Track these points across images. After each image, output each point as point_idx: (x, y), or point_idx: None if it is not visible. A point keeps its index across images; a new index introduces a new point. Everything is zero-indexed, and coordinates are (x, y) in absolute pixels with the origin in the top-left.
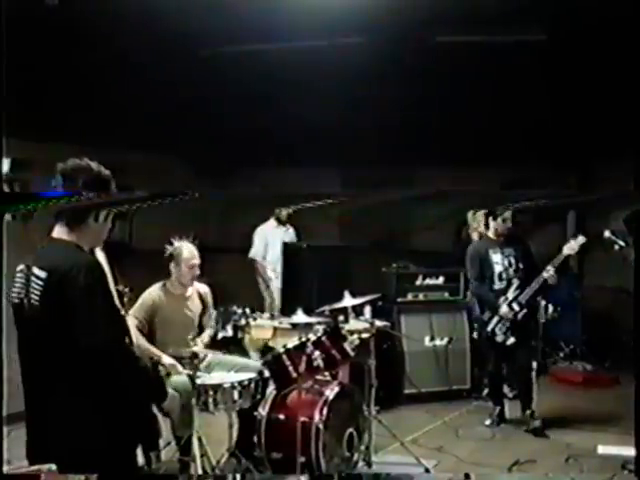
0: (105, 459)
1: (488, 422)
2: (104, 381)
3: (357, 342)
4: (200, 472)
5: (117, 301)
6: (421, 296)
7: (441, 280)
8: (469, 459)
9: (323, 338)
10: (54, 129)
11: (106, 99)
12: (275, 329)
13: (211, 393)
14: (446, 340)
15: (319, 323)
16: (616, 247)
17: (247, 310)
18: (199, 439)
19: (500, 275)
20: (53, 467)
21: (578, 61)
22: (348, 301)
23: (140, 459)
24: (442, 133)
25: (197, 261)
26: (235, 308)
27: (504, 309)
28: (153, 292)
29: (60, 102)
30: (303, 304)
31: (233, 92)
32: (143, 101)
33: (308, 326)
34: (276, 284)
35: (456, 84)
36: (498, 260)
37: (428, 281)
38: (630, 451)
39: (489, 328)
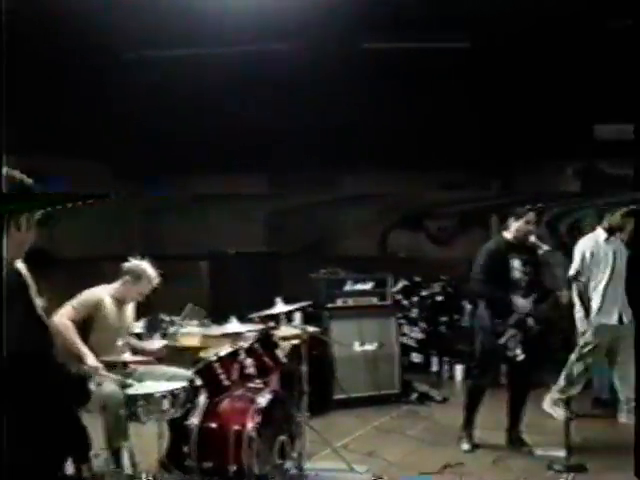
0: (31, 474)
1: (466, 447)
2: (27, 393)
3: (289, 349)
4: None
5: (40, 311)
6: (350, 301)
7: (370, 285)
8: (400, 463)
9: (255, 345)
10: None
11: (24, 103)
12: (204, 337)
13: (142, 403)
14: (376, 345)
15: (253, 331)
16: (540, 252)
17: (175, 318)
18: (130, 449)
19: (517, 282)
20: None
21: (501, 68)
22: (280, 307)
23: (70, 471)
24: (368, 137)
25: (149, 290)
26: (163, 316)
27: (521, 304)
28: (99, 293)
29: None
30: (233, 311)
31: (157, 96)
32: (63, 104)
33: (238, 333)
34: None
35: (383, 90)
36: (517, 266)
37: (357, 286)
38: (560, 452)
39: (502, 340)
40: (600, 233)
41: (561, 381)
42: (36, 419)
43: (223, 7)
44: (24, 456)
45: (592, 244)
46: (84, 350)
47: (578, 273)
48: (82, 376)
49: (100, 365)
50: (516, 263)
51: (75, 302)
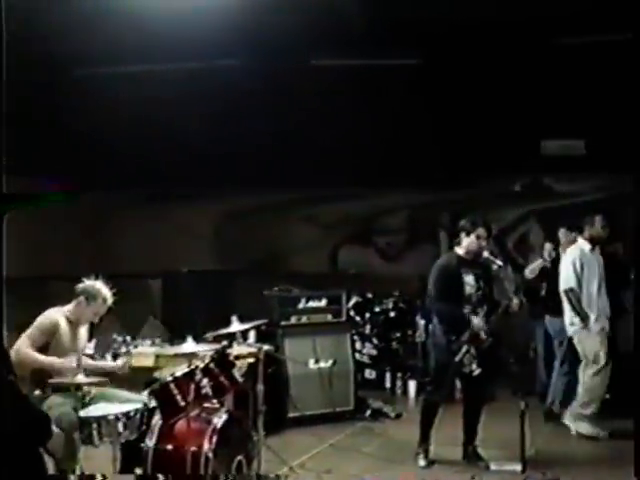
0: None
1: (423, 463)
2: None
3: (245, 368)
4: None
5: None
6: (304, 319)
7: (324, 302)
8: None
9: (211, 365)
10: None
11: None
12: (157, 357)
13: (95, 426)
14: (330, 362)
15: (210, 350)
16: (494, 267)
17: (127, 338)
18: (82, 474)
19: (469, 298)
20: None
21: (448, 85)
22: (236, 326)
23: None
24: (317, 153)
25: (104, 310)
26: (115, 336)
27: (476, 321)
28: (53, 316)
29: None
30: (186, 330)
31: (107, 112)
32: (14, 120)
33: (193, 353)
34: None
35: (330, 105)
36: (469, 281)
37: (311, 303)
38: (517, 467)
39: (457, 358)
40: (583, 243)
41: (581, 397)
42: None
43: (175, 24)
44: None
45: (580, 254)
46: (49, 359)
47: (571, 286)
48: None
49: (74, 365)
50: (469, 278)
51: (29, 332)
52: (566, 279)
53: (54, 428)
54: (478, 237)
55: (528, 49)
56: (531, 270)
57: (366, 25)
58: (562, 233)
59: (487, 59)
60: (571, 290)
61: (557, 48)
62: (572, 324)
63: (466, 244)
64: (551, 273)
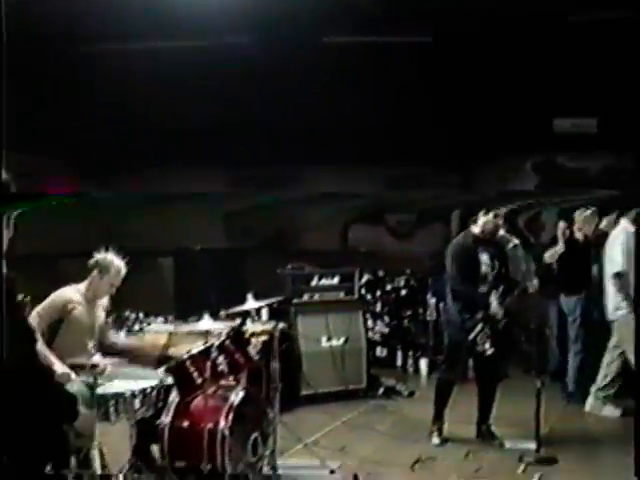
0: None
1: (437, 441)
2: (14, 402)
3: (260, 346)
4: None
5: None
6: (317, 296)
7: (336, 280)
8: (372, 458)
9: (227, 342)
10: None
11: None
12: (171, 334)
13: (112, 402)
14: (342, 340)
15: (226, 328)
16: (510, 245)
17: (141, 315)
18: (100, 451)
19: (485, 277)
20: None
21: (461, 62)
22: (251, 304)
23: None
24: (328, 132)
25: (120, 280)
26: (128, 313)
27: (494, 308)
28: (67, 293)
29: None
30: (201, 307)
31: (117, 91)
32: (23, 100)
33: (206, 331)
34: None
35: (342, 84)
36: (485, 260)
37: (323, 281)
38: (531, 445)
39: (471, 336)
40: (628, 226)
41: (602, 378)
42: (20, 428)
43: (187, 1)
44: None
45: (626, 237)
46: (51, 359)
47: (620, 270)
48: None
49: (69, 372)
50: (484, 257)
51: (40, 308)
52: (614, 263)
53: (80, 408)
54: (496, 215)
55: (540, 27)
56: (551, 255)
57: (378, 2)
58: (578, 213)
59: (500, 37)
60: (620, 274)
61: (570, 25)
62: (618, 308)
63: (482, 222)
64: (566, 252)
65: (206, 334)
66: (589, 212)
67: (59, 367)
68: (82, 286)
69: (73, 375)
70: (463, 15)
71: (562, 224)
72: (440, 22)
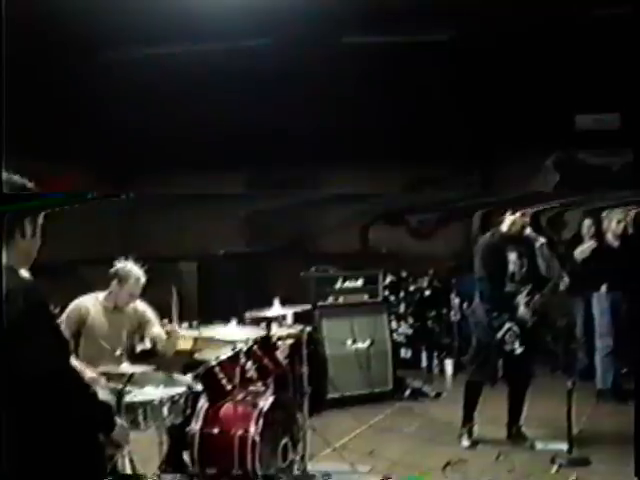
0: None
1: (467, 443)
2: (52, 413)
3: (287, 350)
4: None
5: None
6: (341, 299)
7: (360, 282)
8: (402, 462)
9: (255, 348)
10: None
11: None
12: (196, 340)
13: (140, 410)
14: (368, 342)
15: (253, 333)
16: (537, 244)
17: (165, 320)
18: (130, 458)
19: (513, 275)
20: None
21: (479, 62)
22: (277, 309)
23: None
24: (347, 134)
25: (139, 289)
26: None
27: (522, 310)
28: (82, 303)
29: None
30: (227, 313)
31: (134, 95)
32: (40, 105)
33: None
34: None
35: (361, 84)
36: (513, 259)
37: (347, 284)
38: (563, 446)
39: (499, 335)
40: None
41: None
42: (59, 439)
43: (204, 4)
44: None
45: None
46: (81, 368)
47: None
48: (109, 404)
49: (98, 377)
50: (512, 256)
51: (60, 319)
52: None
53: (117, 419)
54: (523, 214)
55: (562, 21)
56: (581, 252)
57: (399, 0)
58: (607, 211)
59: (521, 33)
60: None
61: (592, 20)
62: None
63: (510, 221)
64: (594, 249)
65: (232, 340)
66: (619, 210)
67: (89, 374)
68: (101, 295)
69: (103, 381)
70: (484, 12)
71: (588, 221)
72: (460, 20)
